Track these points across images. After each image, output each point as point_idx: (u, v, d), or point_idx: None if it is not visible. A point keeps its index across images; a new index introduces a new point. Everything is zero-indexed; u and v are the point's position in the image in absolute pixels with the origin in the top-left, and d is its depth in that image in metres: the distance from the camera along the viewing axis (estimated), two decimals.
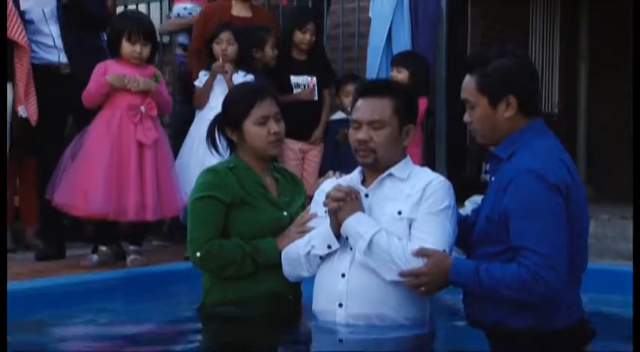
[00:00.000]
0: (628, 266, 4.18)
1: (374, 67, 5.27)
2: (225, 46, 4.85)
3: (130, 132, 4.34)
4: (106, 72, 4.37)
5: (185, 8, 5.85)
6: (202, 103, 4.88)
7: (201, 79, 4.93)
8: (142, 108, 4.38)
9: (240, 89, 3.28)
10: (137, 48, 4.39)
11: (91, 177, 4.27)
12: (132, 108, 4.35)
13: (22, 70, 4.46)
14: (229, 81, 4.76)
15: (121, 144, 4.32)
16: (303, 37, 5.18)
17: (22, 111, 4.46)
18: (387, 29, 5.25)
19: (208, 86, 4.85)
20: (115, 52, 4.47)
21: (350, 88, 4.87)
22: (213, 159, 3.43)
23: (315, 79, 5.20)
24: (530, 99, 2.64)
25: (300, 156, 5.22)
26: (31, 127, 4.57)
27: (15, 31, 4.40)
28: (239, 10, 5.27)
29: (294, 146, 5.11)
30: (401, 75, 4.94)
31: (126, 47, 4.39)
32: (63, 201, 4.30)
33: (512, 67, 2.61)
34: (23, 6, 4.64)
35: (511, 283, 2.45)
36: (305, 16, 5.27)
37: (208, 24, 5.22)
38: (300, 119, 4.86)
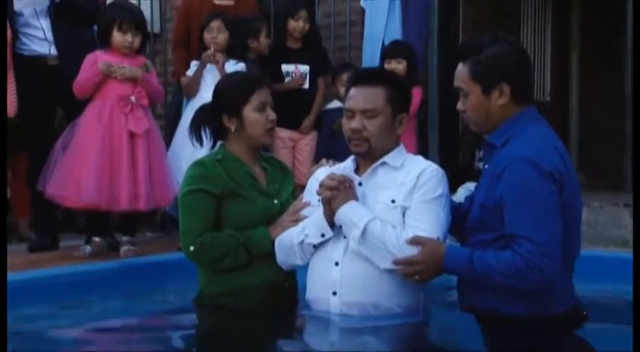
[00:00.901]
0: (619, 253, 4.22)
1: (373, 58, 5.24)
2: (215, 34, 4.82)
3: (121, 122, 4.31)
4: (97, 62, 4.34)
5: None
6: (193, 92, 4.85)
7: (192, 68, 4.90)
8: (133, 98, 4.35)
9: (236, 76, 3.28)
10: (128, 37, 4.36)
11: (82, 168, 4.24)
12: (122, 99, 4.32)
13: None
14: (221, 70, 4.73)
15: (112, 135, 4.29)
16: (296, 25, 5.16)
17: None
18: (385, 20, 5.24)
19: (198, 75, 4.82)
20: (105, 43, 4.44)
21: (346, 76, 4.85)
22: (204, 150, 3.41)
23: (303, 67, 5.18)
24: (523, 87, 2.64)
25: (290, 144, 5.21)
26: (20, 119, 4.53)
27: None
28: None
29: (283, 134, 5.07)
30: (401, 65, 4.94)
31: (117, 37, 4.36)
32: (55, 192, 4.28)
33: (504, 55, 2.61)
34: (16, 6, 4.59)
35: (505, 270, 2.46)
36: (297, 3, 5.24)
37: (190, 14, 5.18)
38: (290, 107, 4.84)
